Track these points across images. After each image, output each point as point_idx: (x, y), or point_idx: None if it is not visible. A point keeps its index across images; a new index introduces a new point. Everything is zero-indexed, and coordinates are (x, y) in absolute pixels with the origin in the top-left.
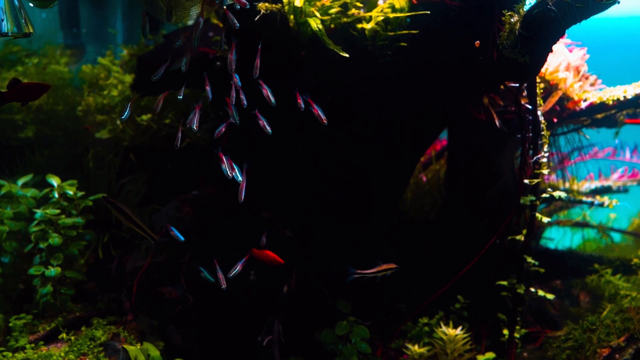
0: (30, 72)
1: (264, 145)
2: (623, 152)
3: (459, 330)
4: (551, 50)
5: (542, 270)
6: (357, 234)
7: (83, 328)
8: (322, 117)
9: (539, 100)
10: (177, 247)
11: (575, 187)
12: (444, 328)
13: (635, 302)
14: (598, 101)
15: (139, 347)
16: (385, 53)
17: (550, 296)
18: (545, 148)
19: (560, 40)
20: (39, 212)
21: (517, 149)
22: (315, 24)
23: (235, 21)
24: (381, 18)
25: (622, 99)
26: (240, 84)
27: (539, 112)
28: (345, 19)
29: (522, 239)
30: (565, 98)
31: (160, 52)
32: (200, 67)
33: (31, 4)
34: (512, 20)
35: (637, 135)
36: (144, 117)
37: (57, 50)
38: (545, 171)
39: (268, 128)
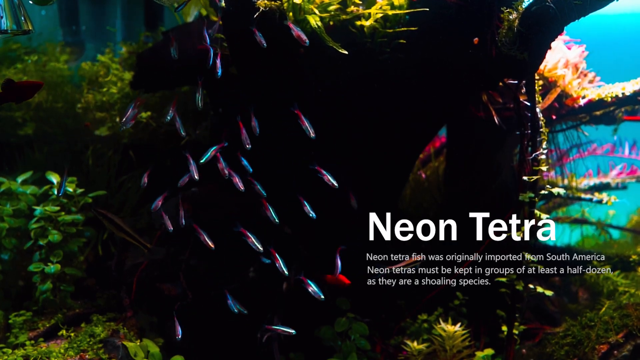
0: (30, 70)
1: (263, 143)
2: (622, 149)
3: (458, 327)
4: (550, 47)
5: (541, 266)
6: (356, 231)
7: (83, 325)
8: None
9: (538, 97)
10: (177, 245)
11: (574, 184)
12: (443, 324)
13: (634, 298)
14: (596, 98)
15: (138, 343)
16: (384, 50)
17: (549, 293)
18: (544, 145)
19: (559, 37)
20: (38, 209)
21: (516, 146)
22: (314, 21)
23: None
24: (380, 15)
25: (620, 95)
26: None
27: (537, 109)
28: (344, 16)
29: (521, 235)
30: (563, 95)
31: (159, 49)
32: (198, 65)
33: (30, 1)
34: (510, 17)
35: (635, 132)
36: (143, 114)
37: (56, 47)
38: (544, 168)
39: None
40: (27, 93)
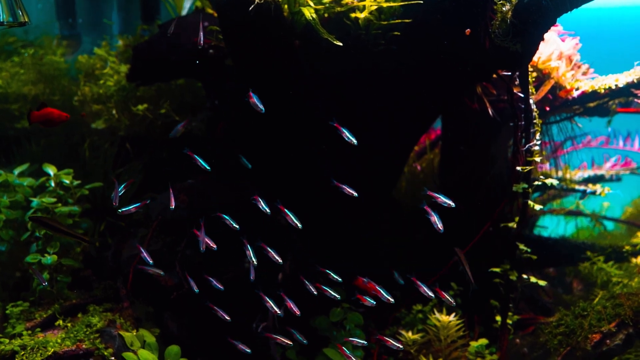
0: (27, 63)
1: (259, 135)
2: (616, 141)
3: (452, 317)
4: (543, 39)
5: (535, 257)
6: (351, 223)
7: (79, 315)
8: None
9: (532, 89)
10: (173, 235)
11: (568, 175)
12: (437, 315)
13: (627, 288)
14: (590, 90)
15: (134, 333)
16: (378, 42)
17: (542, 283)
18: (538, 136)
19: (553, 29)
20: (35, 201)
21: (510, 138)
22: (309, 13)
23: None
24: (374, 7)
25: (613, 87)
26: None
27: (531, 101)
28: (338, 8)
29: (515, 226)
30: (557, 87)
31: (155, 42)
32: (194, 58)
33: None
34: (504, 8)
35: (629, 123)
36: (140, 106)
37: (53, 40)
38: (537, 159)
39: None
40: (54, 121)
